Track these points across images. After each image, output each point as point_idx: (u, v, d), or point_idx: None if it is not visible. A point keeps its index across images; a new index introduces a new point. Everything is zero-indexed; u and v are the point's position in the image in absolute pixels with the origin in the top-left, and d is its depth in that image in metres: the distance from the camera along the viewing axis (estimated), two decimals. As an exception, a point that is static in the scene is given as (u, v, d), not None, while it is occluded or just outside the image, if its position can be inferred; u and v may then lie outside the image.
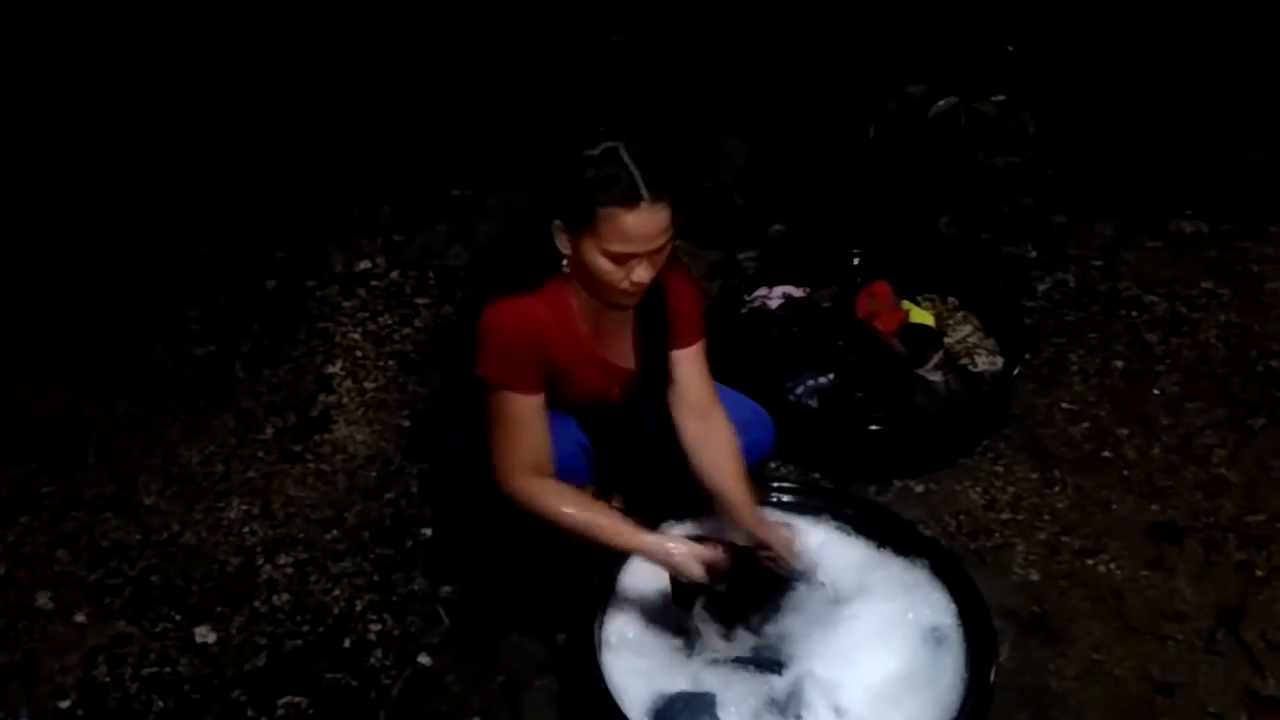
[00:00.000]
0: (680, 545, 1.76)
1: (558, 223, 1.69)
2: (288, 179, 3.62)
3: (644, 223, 1.63)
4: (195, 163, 3.66)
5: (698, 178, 3.17)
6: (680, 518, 2.01)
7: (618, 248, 1.64)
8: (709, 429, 1.92)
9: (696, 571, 1.74)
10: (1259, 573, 2.24)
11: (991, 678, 1.79)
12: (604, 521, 1.78)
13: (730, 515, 1.89)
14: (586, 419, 1.95)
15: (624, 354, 1.89)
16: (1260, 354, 2.82)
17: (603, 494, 2.09)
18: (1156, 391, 2.72)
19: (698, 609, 1.83)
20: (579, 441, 1.91)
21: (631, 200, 1.61)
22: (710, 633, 1.84)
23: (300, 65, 3.96)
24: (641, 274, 1.69)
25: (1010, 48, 3.05)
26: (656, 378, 1.91)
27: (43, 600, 2.22)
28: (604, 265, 1.67)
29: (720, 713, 1.76)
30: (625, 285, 1.70)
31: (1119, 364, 2.81)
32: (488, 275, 1.85)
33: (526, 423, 1.77)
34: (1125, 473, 2.49)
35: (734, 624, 1.84)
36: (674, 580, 1.79)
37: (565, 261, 1.72)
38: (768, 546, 1.83)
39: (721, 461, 1.89)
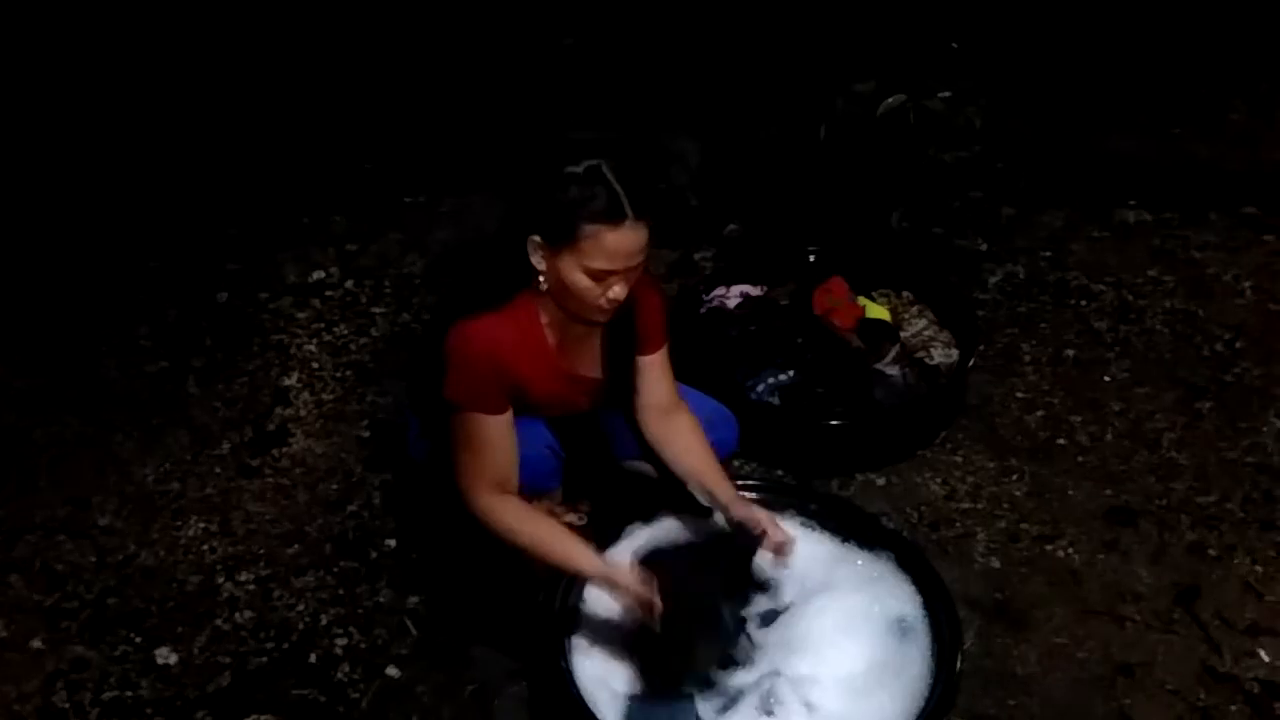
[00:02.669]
0: (629, 579, 1.72)
1: (535, 238, 1.69)
2: (237, 189, 3.56)
3: (626, 241, 1.64)
4: (141, 175, 3.59)
5: (663, 193, 3.18)
6: (647, 520, 2.02)
7: (598, 265, 1.65)
8: (673, 426, 1.94)
9: (630, 610, 1.73)
10: (1212, 552, 2.29)
11: (958, 666, 1.82)
12: (560, 544, 1.77)
13: (708, 497, 1.89)
14: (555, 423, 1.95)
15: (591, 364, 1.90)
16: (1205, 339, 2.89)
17: (571, 499, 2.09)
18: (1107, 379, 2.78)
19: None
20: (548, 444, 1.91)
21: (615, 218, 1.62)
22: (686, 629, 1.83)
23: (248, 77, 3.90)
24: (618, 291, 1.70)
25: (955, 45, 3.10)
26: (624, 385, 1.92)
27: (-4, 627, 2.17)
28: (583, 282, 1.68)
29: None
30: (602, 302, 1.71)
31: (1070, 352, 2.86)
32: (457, 288, 1.84)
33: (492, 442, 1.78)
34: (1080, 459, 2.54)
35: (710, 616, 1.82)
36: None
37: (541, 277, 1.72)
38: (747, 527, 1.84)
39: (688, 447, 1.92)
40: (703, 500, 1.91)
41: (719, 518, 1.89)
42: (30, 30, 3.82)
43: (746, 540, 1.83)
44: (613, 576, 1.74)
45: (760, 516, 1.85)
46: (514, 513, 1.78)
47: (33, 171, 3.56)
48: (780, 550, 1.85)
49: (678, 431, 1.93)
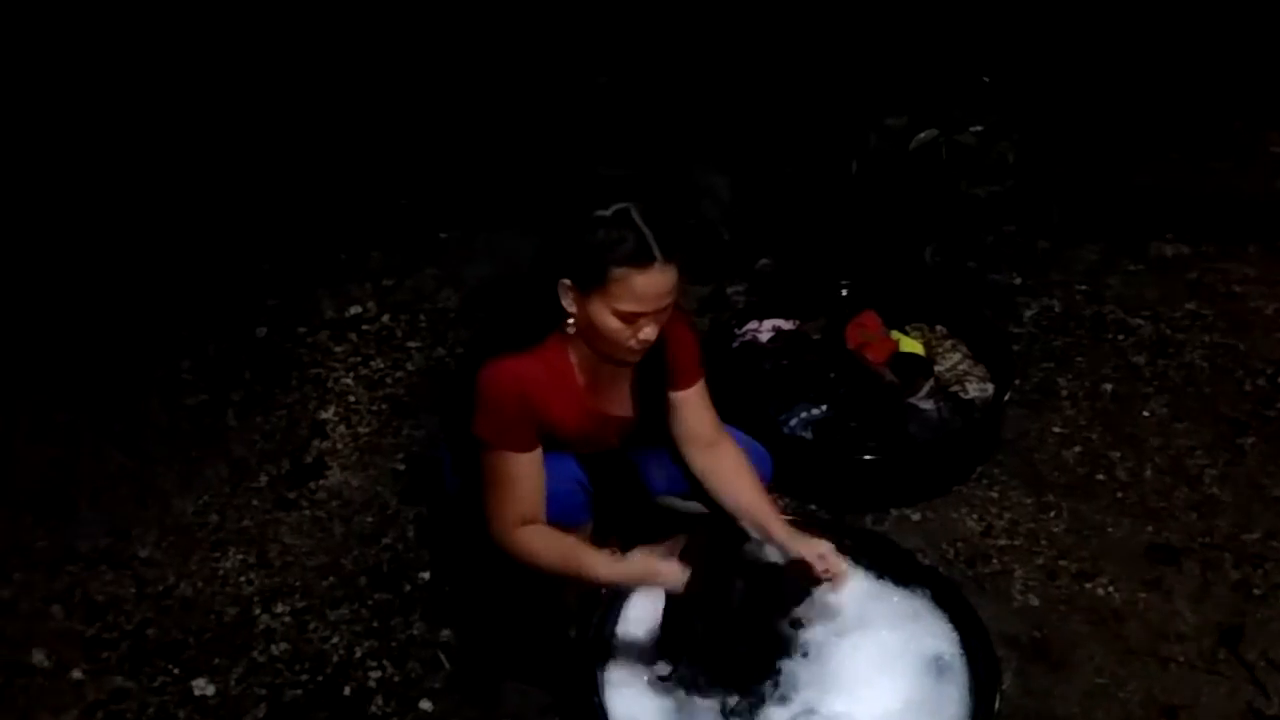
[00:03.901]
0: (655, 553, 1.77)
1: (566, 281, 1.71)
2: (276, 227, 3.63)
3: (655, 283, 1.66)
4: (183, 213, 3.67)
5: (695, 228, 3.21)
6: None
7: (628, 307, 1.67)
8: (718, 457, 1.94)
9: (676, 573, 1.74)
10: (1257, 591, 2.25)
11: (996, 706, 1.79)
12: (587, 557, 1.80)
13: (760, 531, 1.88)
14: (585, 458, 1.96)
15: (621, 403, 1.91)
16: (1247, 373, 2.85)
17: (600, 534, 2.09)
18: (1146, 413, 2.74)
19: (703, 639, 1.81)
20: (577, 479, 1.92)
21: (644, 261, 1.64)
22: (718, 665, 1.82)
23: (286, 114, 3.99)
24: (649, 332, 1.72)
25: (987, 79, 3.11)
26: (655, 422, 1.93)
27: (38, 657, 2.20)
28: (613, 324, 1.69)
29: (726, 749, 1.76)
30: (633, 343, 1.73)
31: (1108, 387, 2.83)
32: (489, 327, 1.87)
33: (520, 479, 1.80)
34: (1119, 495, 2.50)
35: (741, 649, 1.81)
36: (668, 604, 1.79)
37: (570, 320, 1.74)
38: (803, 561, 1.82)
39: (734, 480, 1.92)
40: (755, 534, 1.90)
41: (766, 550, 1.87)
42: (75, 68, 3.93)
43: (798, 579, 1.82)
44: (637, 570, 1.76)
45: (821, 547, 1.83)
46: (537, 538, 1.80)
47: (77, 209, 3.65)
48: (836, 581, 1.83)
49: (722, 464, 1.93)
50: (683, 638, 1.80)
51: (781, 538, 1.84)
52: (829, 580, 1.83)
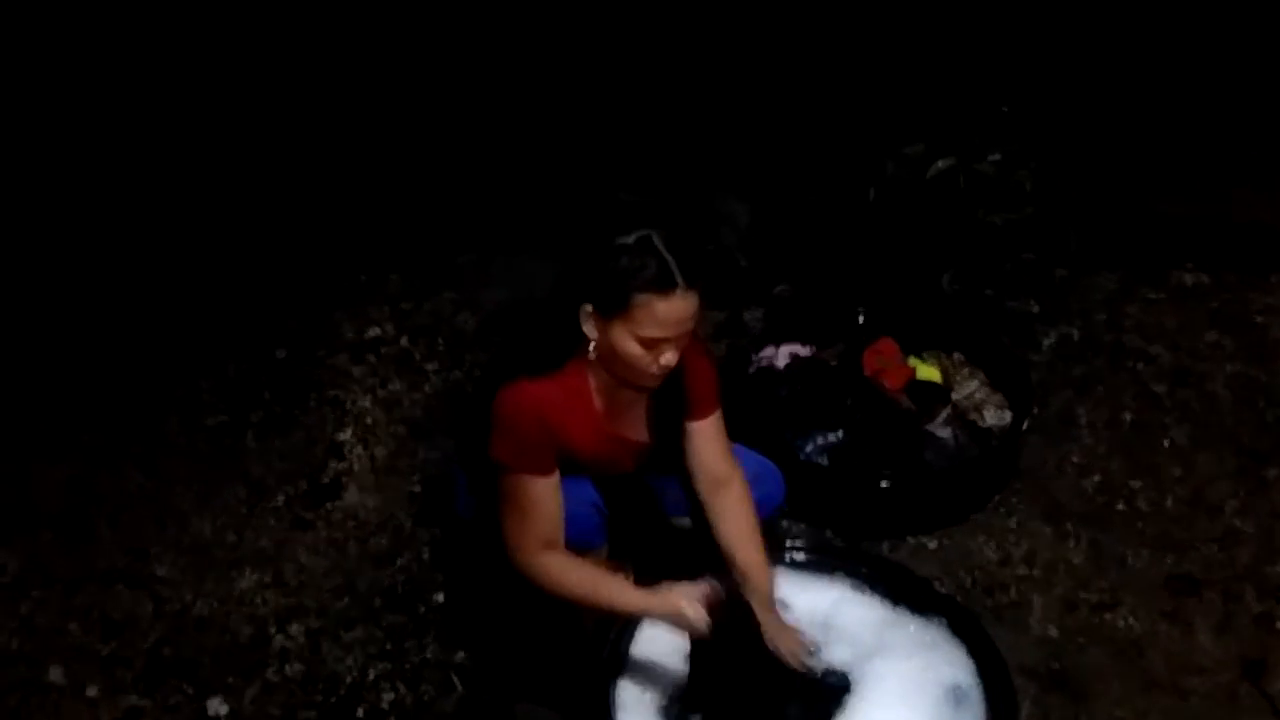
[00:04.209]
0: (684, 595, 1.72)
1: (587, 307, 1.72)
2: (296, 249, 3.67)
3: (676, 309, 1.67)
4: (204, 235, 3.71)
5: (713, 254, 3.22)
6: (692, 580, 2.00)
7: (650, 333, 1.68)
8: (728, 501, 1.94)
9: (702, 619, 1.71)
10: (1279, 624, 2.21)
11: (1014, 737, 1.77)
12: (610, 586, 1.79)
13: (741, 579, 1.88)
14: (600, 480, 1.96)
15: (638, 428, 1.92)
16: (1269, 403, 2.83)
17: (616, 557, 2.09)
18: (1166, 443, 2.72)
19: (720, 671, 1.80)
20: (593, 502, 1.92)
21: (666, 287, 1.65)
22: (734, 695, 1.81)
23: (306, 137, 4.04)
24: (669, 358, 1.73)
25: (1005, 107, 3.11)
26: (671, 449, 1.93)
27: (55, 674, 2.21)
28: (634, 350, 1.70)
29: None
30: (653, 369, 1.73)
31: (1128, 416, 2.81)
32: (508, 352, 1.88)
33: (539, 503, 1.80)
34: (1139, 525, 2.48)
35: (758, 679, 1.79)
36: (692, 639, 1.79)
37: (592, 345, 1.75)
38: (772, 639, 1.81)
39: (740, 535, 1.91)
40: (739, 582, 1.88)
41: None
42: (100, 88, 3.99)
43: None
44: (671, 599, 1.73)
45: (789, 643, 1.81)
46: (559, 565, 1.80)
47: (98, 231, 3.69)
48: (791, 656, 1.81)
49: (729, 510, 1.93)
50: (704, 684, 1.78)
51: (760, 603, 1.82)
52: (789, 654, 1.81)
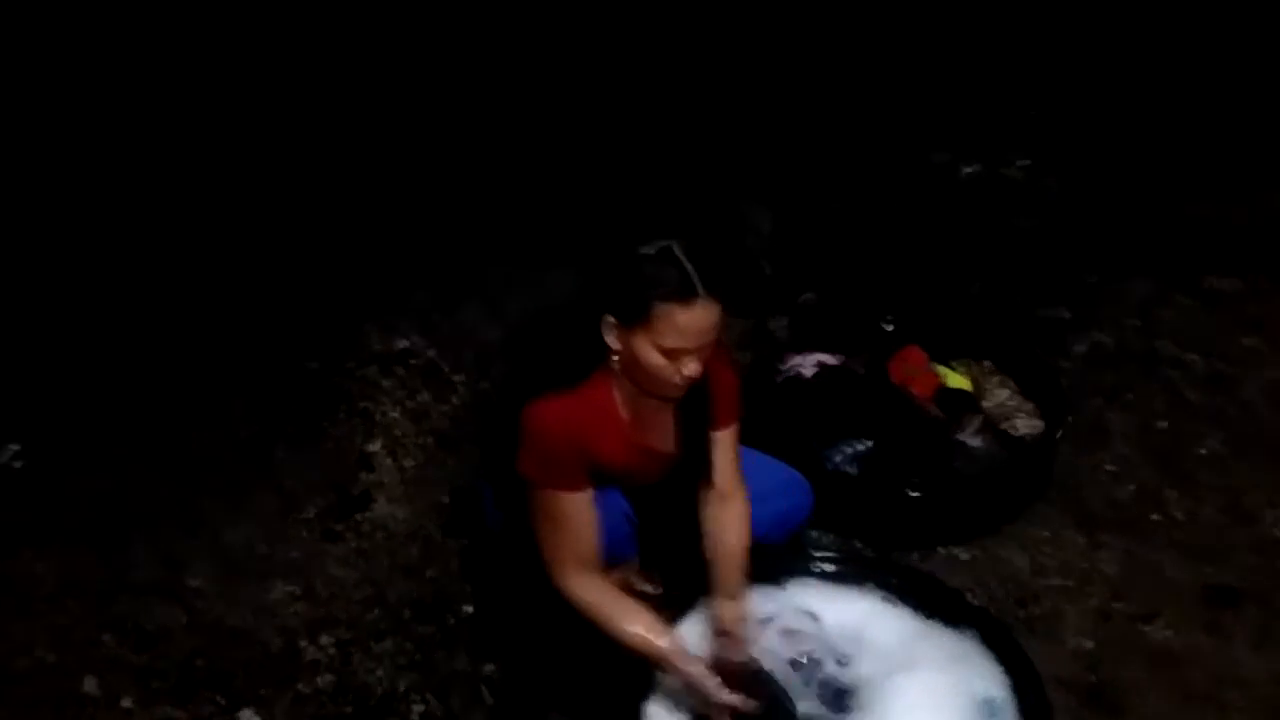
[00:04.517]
0: (708, 681, 1.74)
1: (609, 319, 1.72)
2: (325, 262, 3.70)
3: (698, 319, 1.67)
4: (236, 248, 3.75)
5: (738, 262, 3.22)
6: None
7: (672, 343, 1.68)
8: (727, 511, 1.94)
9: (716, 708, 1.73)
10: (1321, 636, 2.17)
11: (1049, 751, 1.74)
12: (660, 647, 1.78)
13: (714, 600, 1.89)
14: (630, 491, 1.96)
15: (664, 438, 1.92)
16: (1306, 410, 2.78)
17: (646, 566, 2.09)
18: (1202, 451, 2.68)
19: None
20: (624, 512, 1.92)
21: (687, 297, 1.65)
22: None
23: (336, 152, 4.08)
24: (693, 368, 1.72)
25: (1032, 112, 3.10)
26: (698, 458, 1.93)
27: (89, 686, 2.23)
28: (657, 360, 1.70)
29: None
30: (676, 379, 1.73)
31: (1161, 424, 2.77)
32: (532, 365, 1.89)
33: (574, 518, 1.80)
34: (1175, 535, 2.44)
35: (786, 690, 1.80)
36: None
37: (615, 356, 1.75)
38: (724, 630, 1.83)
39: (727, 548, 1.92)
40: (714, 596, 1.90)
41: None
42: (134, 104, 4.04)
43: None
44: (695, 675, 1.74)
45: (735, 637, 1.83)
46: (595, 593, 1.81)
47: (130, 247, 3.74)
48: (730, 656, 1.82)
49: (726, 526, 1.93)
50: None
51: (725, 621, 1.85)
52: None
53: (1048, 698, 1.85)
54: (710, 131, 3.62)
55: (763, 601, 1.98)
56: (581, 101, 3.98)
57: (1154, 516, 2.49)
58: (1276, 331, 3.08)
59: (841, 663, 1.92)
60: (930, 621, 2.00)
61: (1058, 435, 2.53)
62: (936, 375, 2.74)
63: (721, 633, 1.85)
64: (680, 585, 2.07)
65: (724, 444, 1.94)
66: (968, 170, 2.99)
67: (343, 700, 2.17)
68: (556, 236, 3.60)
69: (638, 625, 1.79)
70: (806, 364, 2.83)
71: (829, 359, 2.84)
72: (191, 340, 3.36)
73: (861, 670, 1.91)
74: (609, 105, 3.93)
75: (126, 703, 2.19)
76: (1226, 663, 2.13)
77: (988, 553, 2.41)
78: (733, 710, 1.74)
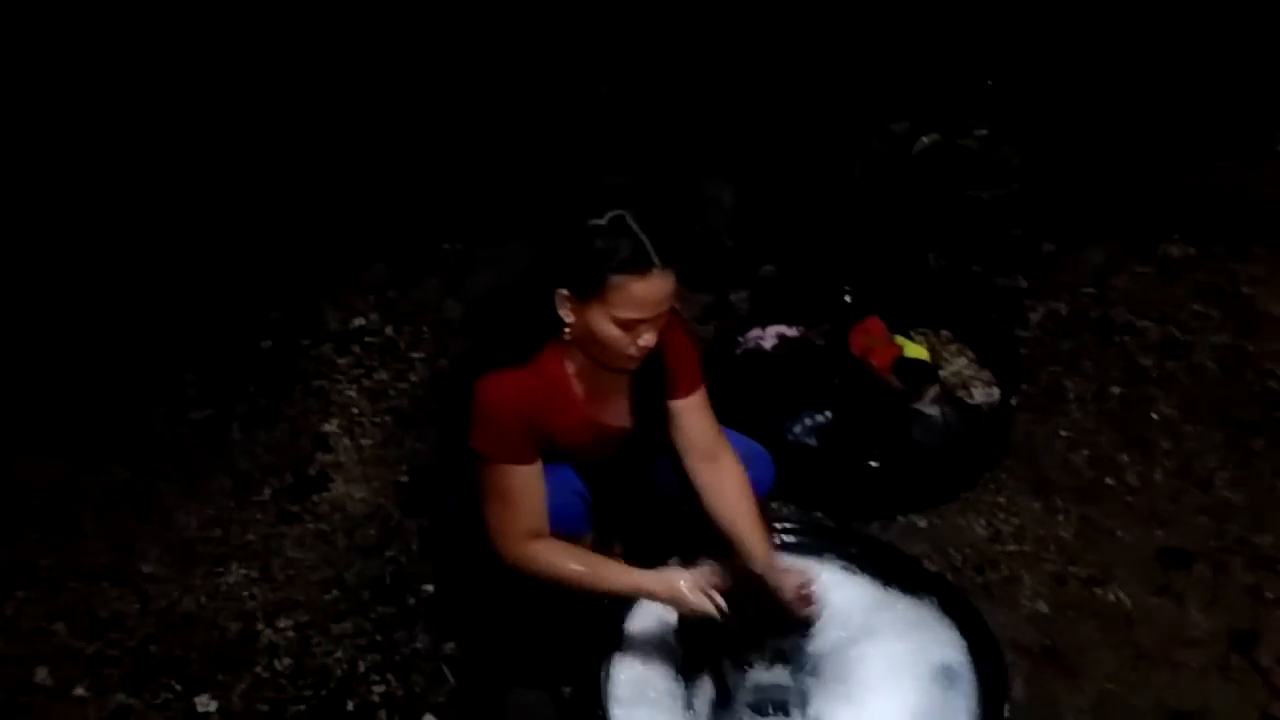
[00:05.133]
0: (684, 577, 1.74)
1: (563, 291, 1.70)
2: (278, 238, 3.63)
3: (653, 289, 1.65)
4: (186, 226, 3.67)
5: (694, 232, 3.20)
6: (685, 559, 2.00)
7: (626, 314, 1.66)
8: (720, 473, 1.92)
9: (702, 603, 1.72)
10: (1269, 595, 2.22)
11: (1005, 715, 1.76)
12: (606, 568, 1.78)
13: (744, 559, 1.88)
14: (583, 467, 1.95)
15: (620, 413, 1.90)
16: (1256, 374, 2.83)
17: (603, 543, 2.08)
18: (1155, 416, 2.71)
19: (710, 652, 1.80)
20: (576, 490, 1.91)
21: (641, 268, 1.63)
22: (726, 676, 1.81)
23: (287, 125, 4.00)
24: (648, 339, 1.70)
25: (990, 82, 3.10)
26: (654, 432, 1.91)
27: (41, 675, 2.19)
28: (612, 332, 1.68)
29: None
30: (631, 350, 1.71)
31: (1116, 390, 2.81)
32: (485, 340, 1.86)
33: (522, 492, 1.78)
34: (1129, 499, 2.48)
35: (748, 659, 1.80)
36: (682, 619, 1.78)
37: (567, 329, 1.73)
38: (779, 594, 1.81)
39: (734, 505, 1.90)
40: (740, 556, 1.89)
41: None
42: (77, 76, 3.93)
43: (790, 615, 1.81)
44: (671, 579, 1.73)
45: (793, 587, 1.82)
46: (550, 552, 1.78)
47: (78, 224, 3.65)
48: (809, 618, 1.82)
49: (724, 484, 1.91)
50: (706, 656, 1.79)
51: (763, 567, 1.83)
52: (806, 617, 1.81)
53: (1005, 662, 1.87)
54: (670, 105, 3.59)
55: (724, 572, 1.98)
56: (542, 77, 3.93)
57: (1108, 481, 2.53)
58: (1227, 298, 3.13)
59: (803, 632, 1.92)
60: (890, 590, 2.01)
61: (1013, 403, 2.55)
62: (896, 346, 2.75)
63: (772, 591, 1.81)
64: (640, 559, 2.06)
65: (695, 409, 1.92)
66: (925, 140, 2.97)
67: (302, 683, 2.15)
68: (516, 211, 3.56)
69: (607, 565, 1.78)
70: (767, 336, 2.83)
71: (789, 331, 2.84)
72: (142, 321, 3.29)
73: (823, 639, 1.92)
74: (568, 81, 3.88)
75: (80, 692, 2.16)
76: (1177, 623, 2.17)
77: (946, 520, 2.44)
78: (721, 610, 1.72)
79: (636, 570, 1.78)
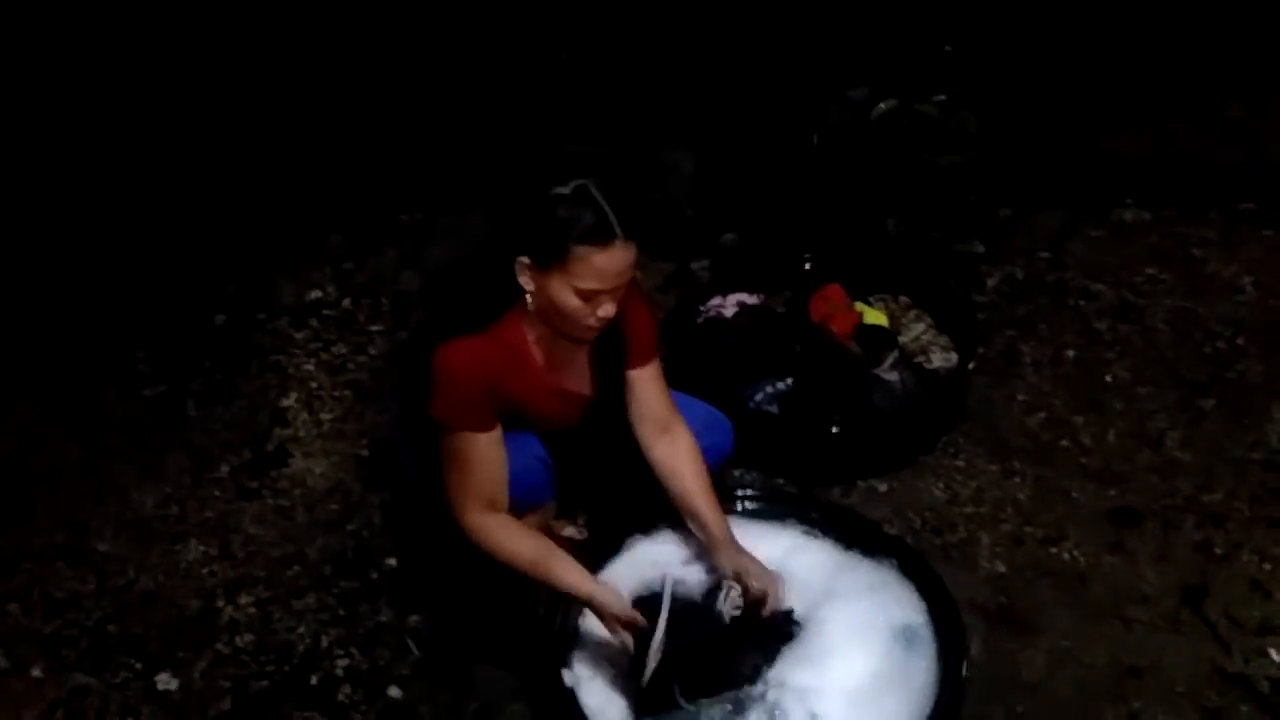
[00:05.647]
0: (613, 606, 1.73)
1: (524, 260, 1.68)
2: (232, 211, 3.56)
3: (615, 260, 1.64)
4: (136, 198, 3.59)
5: (658, 204, 3.19)
6: (646, 532, 2.01)
7: (588, 285, 1.65)
8: (674, 446, 1.93)
9: (616, 635, 1.74)
10: (1218, 551, 2.27)
11: (964, 673, 1.80)
12: (553, 560, 1.77)
13: (700, 534, 1.89)
14: (546, 436, 1.94)
15: (580, 381, 1.89)
16: (1206, 336, 2.88)
17: (566, 512, 2.08)
18: (1109, 379, 2.76)
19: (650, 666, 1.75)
20: (539, 457, 1.91)
21: (604, 239, 1.62)
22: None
23: (241, 97, 3.91)
24: (608, 309, 1.70)
25: (948, 48, 3.10)
26: (614, 400, 1.91)
27: (-4, 657, 2.16)
28: (573, 302, 1.67)
29: (698, 726, 1.75)
30: (591, 320, 1.71)
31: (1070, 353, 2.85)
32: (444, 309, 1.84)
33: (480, 459, 1.77)
34: (1083, 460, 2.52)
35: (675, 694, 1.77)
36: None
37: (528, 297, 1.71)
38: (740, 579, 1.83)
39: (689, 483, 1.91)
40: (696, 533, 1.91)
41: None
42: (27, 55, 3.82)
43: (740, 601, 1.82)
44: (598, 599, 1.73)
45: (749, 568, 1.83)
46: (503, 530, 1.78)
47: (28, 197, 3.56)
48: (761, 603, 1.83)
49: (677, 457, 1.92)
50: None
51: (717, 549, 1.85)
52: (758, 601, 1.82)
53: (963, 621, 1.91)
54: (629, 74, 3.56)
55: (686, 541, 1.99)
56: (501, 45, 3.88)
57: (1063, 443, 2.57)
58: (1178, 261, 3.17)
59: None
60: (850, 553, 2.03)
61: (970, 367, 2.58)
62: (855, 312, 2.77)
63: (745, 588, 1.82)
64: (605, 528, 2.07)
65: (649, 379, 1.92)
66: (884, 106, 2.97)
67: (264, 659, 2.14)
68: (476, 180, 3.52)
69: (549, 559, 1.76)
70: (727, 305, 2.83)
71: (749, 299, 2.84)
72: (89, 295, 3.22)
73: (785, 604, 1.94)
74: (529, 46, 3.83)
75: (36, 672, 2.13)
76: (1129, 580, 2.22)
77: (905, 484, 2.46)
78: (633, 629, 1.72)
79: (578, 571, 1.77)
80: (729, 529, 1.90)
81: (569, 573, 1.76)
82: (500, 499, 1.79)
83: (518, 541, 1.78)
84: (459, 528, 1.79)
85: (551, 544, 1.83)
